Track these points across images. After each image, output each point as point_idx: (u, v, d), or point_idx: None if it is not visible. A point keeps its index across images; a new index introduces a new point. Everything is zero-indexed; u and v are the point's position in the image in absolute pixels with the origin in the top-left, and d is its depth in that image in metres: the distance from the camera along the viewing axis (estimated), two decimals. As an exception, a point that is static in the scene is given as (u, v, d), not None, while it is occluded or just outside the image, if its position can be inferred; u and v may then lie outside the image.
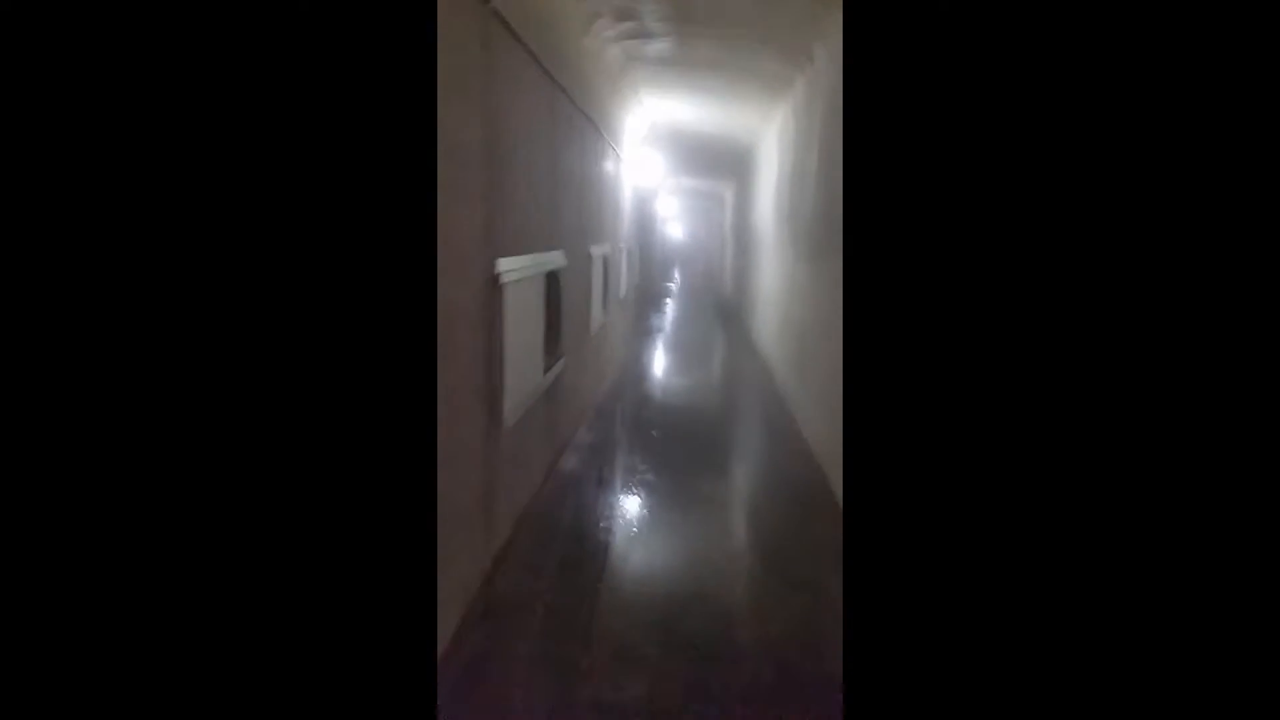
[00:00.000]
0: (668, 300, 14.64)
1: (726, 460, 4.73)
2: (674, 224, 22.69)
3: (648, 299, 12.85)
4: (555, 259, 3.65)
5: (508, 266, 2.74)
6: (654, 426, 5.18)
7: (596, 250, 5.30)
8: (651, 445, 4.77)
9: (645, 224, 11.82)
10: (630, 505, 3.69)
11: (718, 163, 11.65)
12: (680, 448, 4.66)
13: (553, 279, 3.78)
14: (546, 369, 3.60)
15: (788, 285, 6.35)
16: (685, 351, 8.98)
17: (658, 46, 4.83)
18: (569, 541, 3.19)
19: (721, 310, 12.70)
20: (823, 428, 4.17)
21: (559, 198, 3.93)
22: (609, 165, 5.96)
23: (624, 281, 7.67)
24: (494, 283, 2.63)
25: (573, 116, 4.24)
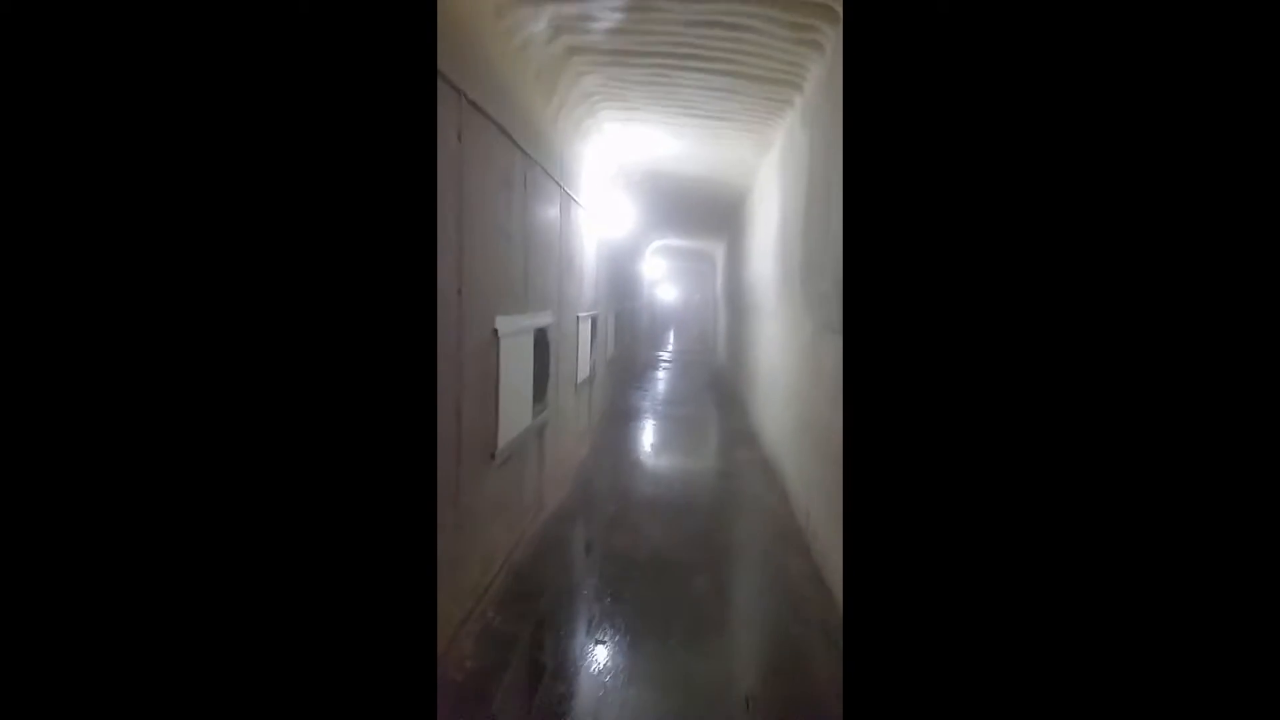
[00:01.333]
0: (657, 373, 12.96)
1: (718, 654, 2.90)
2: (665, 286, 21.50)
3: (631, 373, 11.20)
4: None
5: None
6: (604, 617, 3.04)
7: (524, 321, 3.63)
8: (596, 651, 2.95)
9: (626, 287, 10.32)
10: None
11: (707, 216, 10.29)
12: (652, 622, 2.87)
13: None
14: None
15: (799, 363, 4.68)
16: (668, 446, 7.23)
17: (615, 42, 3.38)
18: None
19: (715, 387, 11.00)
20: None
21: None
22: (552, 212, 4.41)
23: (585, 360, 6.03)
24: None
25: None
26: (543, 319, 4.07)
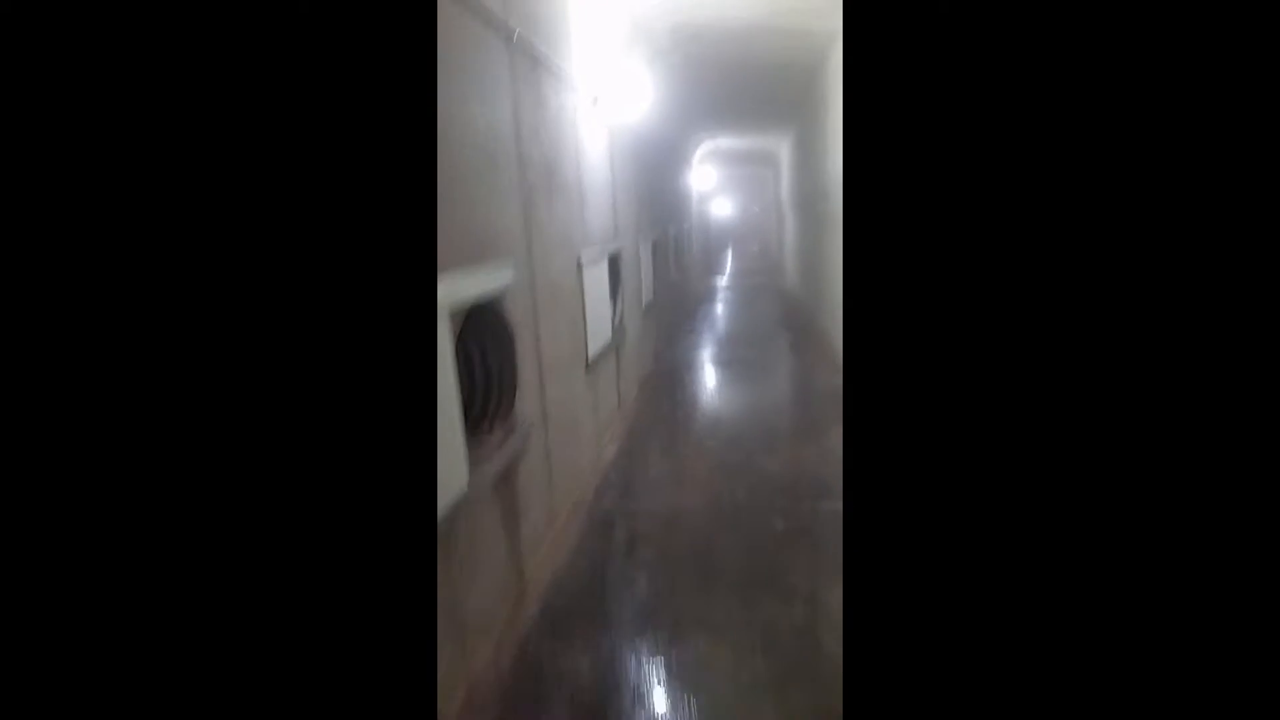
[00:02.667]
0: (715, 307, 10.85)
1: None
2: (719, 201, 18.90)
3: (680, 314, 9.20)
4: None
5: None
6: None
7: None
8: None
9: (667, 206, 8.15)
10: None
11: (769, 97, 7.84)
12: None
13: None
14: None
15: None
16: (737, 429, 5.32)
17: None
18: None
19: (790, 323, 8.83)
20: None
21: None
22: (501, 98, 2.40)
23: (604, 321, 4.12)
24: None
25: None
26: (480, 283, 2.15)
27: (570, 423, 3.34)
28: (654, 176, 6.84)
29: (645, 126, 5.83)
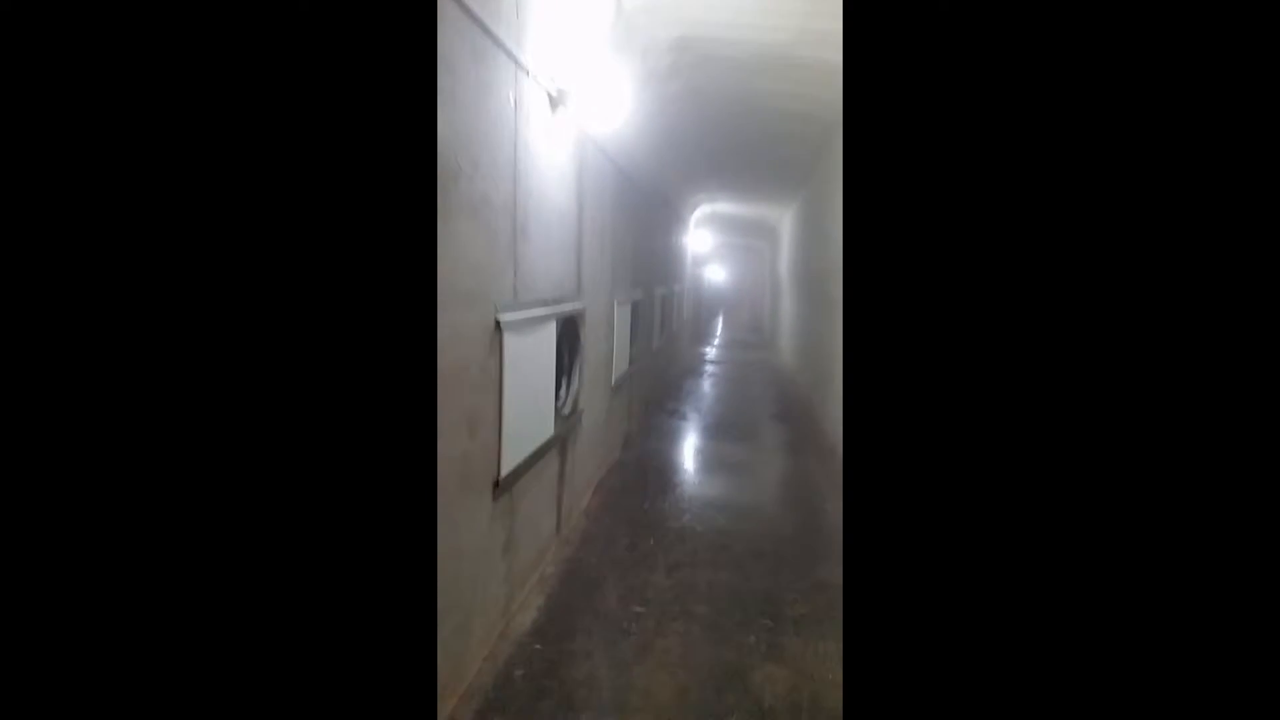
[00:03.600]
0: (701, 382, 9.67)
1: None
2: (713, 267, 18.15)
3: (662, 387, 7.98)
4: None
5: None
6: None
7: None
8: None
9: (657, 261, 7.09)
10: None
11: (776, 161, 6.92)
12: None
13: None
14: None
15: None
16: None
17: None
18: None
19: (784, 412, 7.58)
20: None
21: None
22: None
23: (546, 415, 2.87)
24: None
25: None
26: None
27: (466, 581, 2.02)
28: (641, 226, 5.75)
29: (633, 163, 4.76)
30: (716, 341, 14.67)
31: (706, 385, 8.95)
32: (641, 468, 4.98)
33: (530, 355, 2.66)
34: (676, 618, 2.84)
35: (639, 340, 5.97)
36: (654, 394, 7.34)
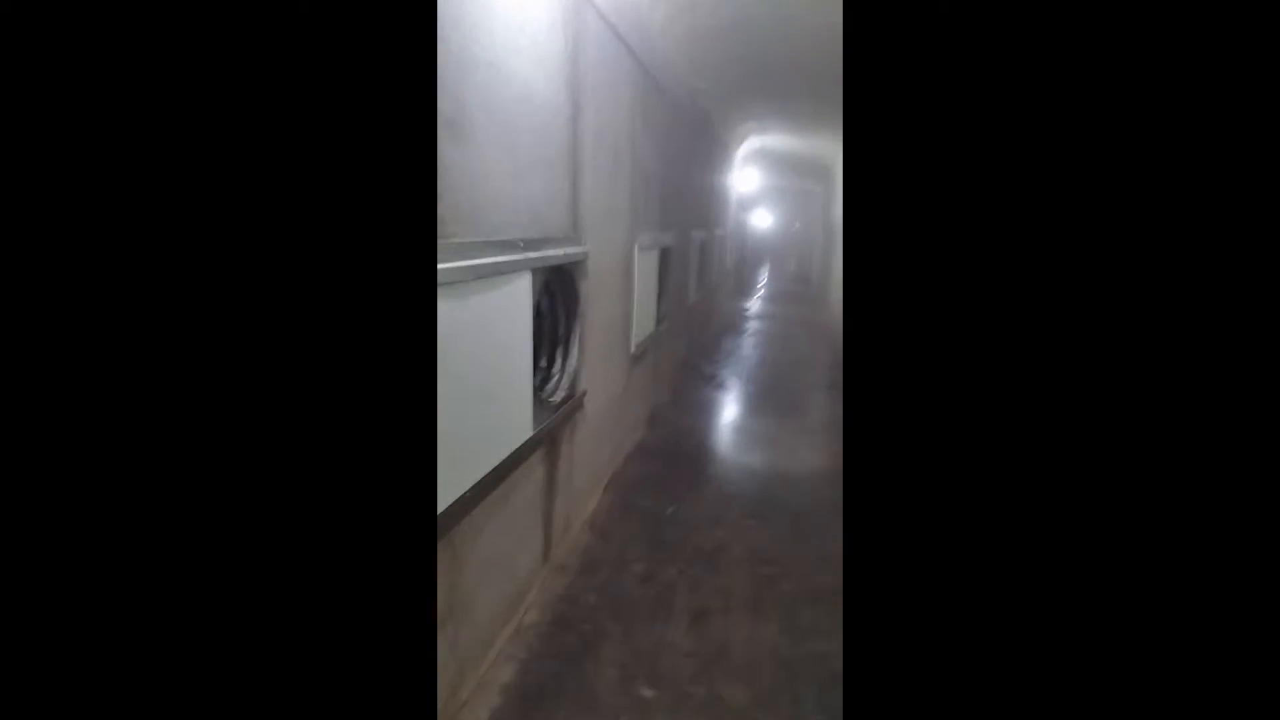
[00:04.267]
0: (740, 343, 8.61)
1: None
2: (759, 213, 16.65)
3: (699, 347, 6.99)
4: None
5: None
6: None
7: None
8: None
9: (693, 200, 5.99)
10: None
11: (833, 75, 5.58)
12: None
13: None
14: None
15: None
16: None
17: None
18: None
19: (836, 363, 6.55)
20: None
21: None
22: None
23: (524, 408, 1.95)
24: None
25: None
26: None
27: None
28: (674, 150, 4.65)
29: (663, 60, 3.64)
30: (761, 294, 13.44)
31: (749, 345, 7.90)
32: (668, 454, 4.07)
33: (482, 327, 1.73)
34: (699, 711, 1.96)
35: (668, 296, 4.95)
36: (689, 355, 6.36)
